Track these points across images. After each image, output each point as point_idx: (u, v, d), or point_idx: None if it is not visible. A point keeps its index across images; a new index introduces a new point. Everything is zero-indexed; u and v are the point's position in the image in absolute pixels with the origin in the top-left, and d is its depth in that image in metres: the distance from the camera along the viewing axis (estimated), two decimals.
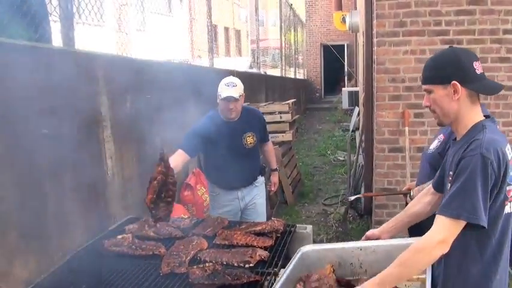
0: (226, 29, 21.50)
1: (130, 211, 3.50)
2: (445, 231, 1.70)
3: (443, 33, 4.05)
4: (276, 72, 14.02)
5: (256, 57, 11.18)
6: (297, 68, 17.43)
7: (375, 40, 4.18)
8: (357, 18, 8.94)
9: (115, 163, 3.37)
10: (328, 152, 10.08)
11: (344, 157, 9.49)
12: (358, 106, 9.93)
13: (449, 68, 1.82)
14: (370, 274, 2.10)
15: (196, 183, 4.77)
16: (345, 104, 12.16)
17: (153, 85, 4.10)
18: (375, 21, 4.14)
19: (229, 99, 3.51)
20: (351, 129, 9.89)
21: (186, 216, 3.77)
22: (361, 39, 8.31)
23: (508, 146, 1.77)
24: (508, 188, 1.75)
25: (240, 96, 3.54)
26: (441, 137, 2.66)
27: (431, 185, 2.17)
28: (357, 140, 8.85)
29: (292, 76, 15.90)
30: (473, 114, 1.84)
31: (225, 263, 2.46)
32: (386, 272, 1.81)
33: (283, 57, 14.16)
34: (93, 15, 3.61)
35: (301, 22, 18.72)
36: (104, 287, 2.31)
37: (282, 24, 13.89)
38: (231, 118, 3.62)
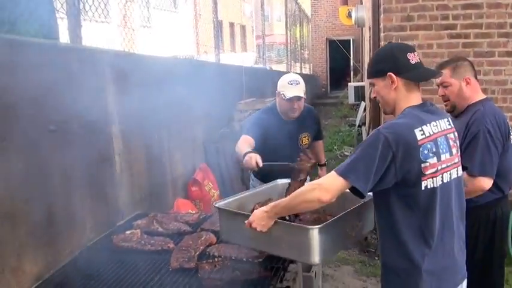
0: (231, 25, 21.47)
1: (138, 207, 3.52)
2: (327, 180, 1.92)
3: (451, 27, 4.02)
4: (281, 68, 13.99)
5: (262, 53, 11.17)
6: (302, 63, 17.40)
7: (382, 35, 4.16)
8: (363, 12, 8.90)
9: (123, 159, 3.38)
10: (335, 147, 10.05)
11: (350, 152, 9.49)
12: (364, 101, 9.92)
13: (384, 62, 2.03)
14: None
15: (203, 179, 4.77)
16: (351, 99, 12.13)
17: (161, 81, 4.10)
18: (382, 16, 4.12)
19: (293, 99, 3.34)
20: (357, 124, 9.89)
21: (194, 212, 3.78)
22: (367, 34, 8.27)
23: (424, 127, 1.91)
24: (423, 165, 1.87)
25: (304, 93, 3.37)
26: None
27: None
28: (364, 135, 8.85)
29: (298, 71, 15.88)
30: (408, 102, 2.01)
31: (234, 258, 2.47)
32: (278, 201, 2.10)
33: (288, 53, 14.12)
34: (99, 12, 3.61)
35: (307, 17, 18.67)
36: (113, 282, 2.33)
37: (288, 19, 13.85)
38: (293, 117, 3.46)
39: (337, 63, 18.93)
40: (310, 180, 3.92)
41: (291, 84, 3.35)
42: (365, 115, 9.10)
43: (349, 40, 17.98)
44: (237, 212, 2.32)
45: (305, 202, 1.95)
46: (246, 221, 2.10)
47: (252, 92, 7.16)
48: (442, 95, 2.78)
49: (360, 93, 11.44)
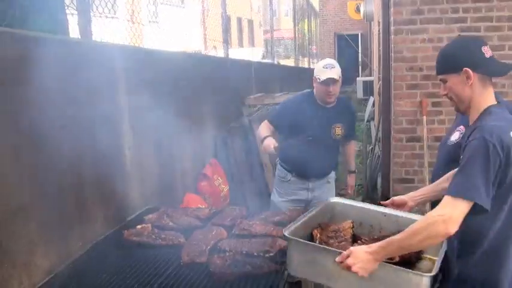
0: (239, 20, 21.42)
1: (148, 201, 3.53)
2: (447, 208, 1.75)
3: (461, 20, 3.99)
4: (289, 63, 13.95)
5: (270, 48, 11.14)
6: (310, 58, 17.34)
7: (392, 28, 4.14)
8: (372, 6, 8.87)
9: (133, 153, 3.39)
10: None
11: (359, 147, 9.45)
12: (373, 96, 9.87)
13: (459, 56, 1.93)
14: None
15: (213, 174, 4.77)
16: (360, 94, 12.10)
17: (170, 76, 4.10)
18: (392, 9, 4.10)
19: (328, 83, 3.36)
20: (365, 119, 9.84)
21: (205, 207, 3.79)
22: (376, 28, 8.23)
23: None
24: None
25: (339, 77, 3.40)
26: (461, 127, 2.61)
27: None
28: (372, 130, 8.81)
29: (306, 66, 15.83)
30: (484, 99, 1.94)
31: (244, 252, 2.47)
32: (388, 241, 1.86)
33: (296, 47, 14.07)
34: (108, 7, 3.62)
35: (315, 11, 18.58)
36: (124, 275, 2.34)
37: (295, 13, 13.79)
38: (329, 102, 3.47)
39: (346, 58, 18.85)
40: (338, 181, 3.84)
41: (326, 68, 3.39)
42: (374, 110, 9.06)
43: (357, 35, 17.91)
44: (320, 247, 2.06)
45: (429, 239, 1.78)
46: (338, 259, 1.87)
47: (261, 87, 7.14)
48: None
49: (368, 88, 11.40)
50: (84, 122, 2.80)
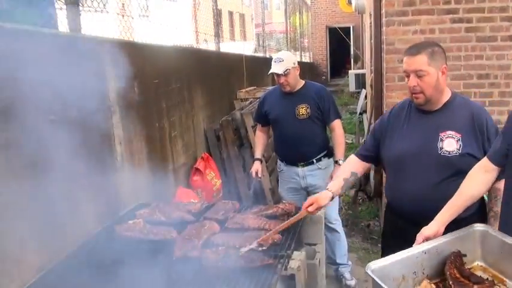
0: (231, 13, 21.32)
1: (140, 197, 3.50)
2: None
3: (453, 11, 3.97)
4: None
5: (262, 41, 11.10)
6: (302, 52, 17.30)
7: (383, 20, 4.11)
8: None
9: (124, 148, 3.36)
10: None
11: (352, 140, 9.46)
12: (365, 88, 9.87)
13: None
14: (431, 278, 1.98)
15: (205, 168, 4.75)
16: (352, 87, 12.09)
17: (161, 70, 4.07)
18: (383, 1, 4.07)
19: (277, 75, 3.75)
20: (358, 111, 9.85)
21: (197, 201, 3.77)
22: (367, 21, 8.21)
23: None
24: None
25: (285, 71, 3.70)
26: (451, 133, 2.38)
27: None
28: (365, 123, 8.81)
29: (298, 59, 15.79)
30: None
31: (237, 246, 2.45)
32: (448, 205, 2.10)
33: (288, 41, 14.05)
34: (97, 1, 3.58)
35: (306, 4, 18.53)
36: (116, 271, 2.31)
37: (287, 7, 13.76)
38: (286, 91, 3.82)
39: (338, 51, 18.84)
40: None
41: (275, 62, 3.77)
42: (366, 102, 9.06)
43: (349, 28, 17.89)
44: None
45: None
46: None
47: (253, 81, 7.12)
48: (414, 86, 2.30)
49: (360, 81, 11.39)
50: (73, 116, 2.76)
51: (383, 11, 4.11)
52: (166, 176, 4.17)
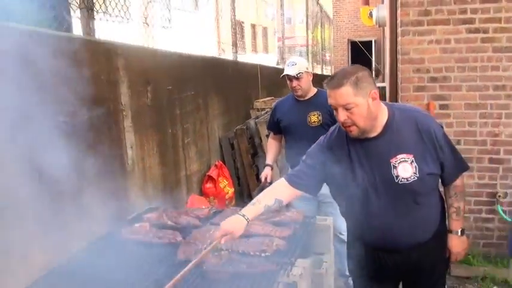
0: (253, 26, 21.49)
1: (151, 201, 3.51)
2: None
3: (469, 21, 3.91)
4: None
5: (282, 54, 11.15)
6: (324, 65, 17.29)
7: (399, 30, 4.08)
8: (384, 12, 8.77)
9: (135, 152, 3.38)
10: None
11: None
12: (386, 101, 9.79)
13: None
14: None
15: (218, 176, 4.76)
16: None
17: (175, 76, 4.11)
18: (399, 11, 4.04)
19: (289, 78, 3.75)
20: None
21: (206, 207, 3.76)
22: (387, 33, 8.17)
23: None
24: None
25: (298, 74, 3.71)
26: (404, 156, 2.23)
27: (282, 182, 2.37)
28: None
29: (319, 73, 15.78)
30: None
31: (241, 251, 2.43)
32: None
33: (309, 54, 14.07)
34: (121, 11, 3.64)
35: (329, 18, 18.56)
36: (118, 273, 2.31)
37: (308, 20, 13.81)
38: (298, 96, 3.83)
39: (360, 64, 18.73)
40: None
41: (288, 65, 3.79)
42: None
43: (371, 41, 17.83)
44: None
45: None
46: None
47: (271, 91, 7.13)
48: (344, 120, 2.10)
49: (381, 94, 11.31)
50: (84, 118, 2.80)
51: (398, 20, 4.08)
52: (178, 182, 4.18)
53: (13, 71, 2.22)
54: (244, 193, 5.07)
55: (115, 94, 3.19)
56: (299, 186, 2.34)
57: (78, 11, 2.99)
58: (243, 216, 2.23)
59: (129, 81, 3.31)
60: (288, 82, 3.80)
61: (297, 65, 3.74)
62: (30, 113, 2.32)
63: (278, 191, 2.37)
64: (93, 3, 3.00)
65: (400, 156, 2.12)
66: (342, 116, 2.08)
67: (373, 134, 2.16)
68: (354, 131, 2.12)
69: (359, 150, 2.19)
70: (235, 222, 2.23)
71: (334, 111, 2.14)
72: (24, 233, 2.30)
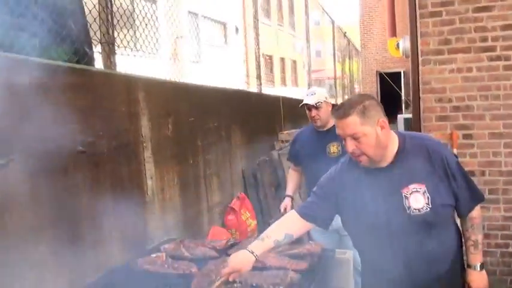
0: (282, 60, 21.72)
1: (171, 232, 3.52)
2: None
3: (490, 49, 3.86)
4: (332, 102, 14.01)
5: (310, 87, 11.24)
6: None
7: (420, 59, 4.06)
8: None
9: (155, 184, 3.41)
10: None
11: None
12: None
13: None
14: None
15: (240, 208, 4.74)
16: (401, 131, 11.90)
17: (197, 108, 4.16)
18: (419, 40, 4.03)
19: (308, 108, 3.75)
20: None
21: (224, 239, 3.74)
22: (410, 63, 8.13)
23: None
24: None
25: (317, 103, 3.70)
26: (413, 186, 2.15)
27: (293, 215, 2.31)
28: None
29: None
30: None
31: (254, 284, 2.40)
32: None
33: (337, 87, 14.13)
34: (150, 47, 3.76)
35: (357, 50, 18.64)
36: None
37: (336, 52, 13.90)
38: (317, 126, 3.81)
39: (389, 96, 18.65)
40: None
41: (307, 95, 3.80)
42: None
43: (400, 73, 17.74)
44: None
45: None
46: None
47: (296, 123, 7.13)
48: (353, 149, 2.07)
49: (409, 125, 11.21)
50: (103, 149, 2.85)
51: (419, 50, 4.06)
52: (199, 213, 4.18)
53: (32, 103, 2.29)
54: (267, 225, 5.02)
55: (135, 126, 3.24)
56: (309, 218, 2.27)
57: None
58: (252, 252, 2.16)
59: (150, 114, 3.37)
60: (307, 112, 3.78)
61: (316, 95, 3.73)
62: (47, 146, 2.37)
63: (288, 224, 2.30)
64: (114, 39, 3.09)
65: (412, 186, 2.05)
66: (350, 146, 2.05)
67: (384, 164, 2.11)
68: (364, 161, 2.07)
69: (370, 180, 2.13)
70: (242, 258, 2.17)
71: (343, 141, 2.11)
72: (40, 258, 2.33)
